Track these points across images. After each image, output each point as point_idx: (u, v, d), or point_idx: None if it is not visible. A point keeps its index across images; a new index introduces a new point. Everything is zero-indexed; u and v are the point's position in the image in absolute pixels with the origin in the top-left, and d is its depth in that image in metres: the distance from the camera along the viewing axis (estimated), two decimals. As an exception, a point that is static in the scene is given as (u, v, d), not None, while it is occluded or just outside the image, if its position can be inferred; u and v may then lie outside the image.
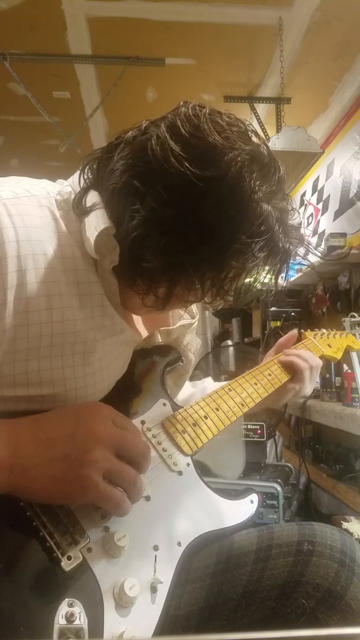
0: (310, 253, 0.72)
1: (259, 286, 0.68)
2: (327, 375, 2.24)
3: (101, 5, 2.62)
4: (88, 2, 2.59)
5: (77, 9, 2.64)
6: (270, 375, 0.93)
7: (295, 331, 1.05)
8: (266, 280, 0.69)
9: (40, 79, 3.17)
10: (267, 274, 0.67)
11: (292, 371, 0.96)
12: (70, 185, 0.68)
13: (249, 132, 0.63)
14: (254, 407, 0.87)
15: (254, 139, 0.63)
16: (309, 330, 1.18)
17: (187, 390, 1.02)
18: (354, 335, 1.27)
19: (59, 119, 3.43)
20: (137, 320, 0.82)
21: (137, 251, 0.61)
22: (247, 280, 0.66)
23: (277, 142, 2.71)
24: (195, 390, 1.03)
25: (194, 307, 0.91)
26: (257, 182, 0.60)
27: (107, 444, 0.58)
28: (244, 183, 0.59)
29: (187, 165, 0.57)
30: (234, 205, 0.59)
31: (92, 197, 0.64)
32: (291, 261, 0.68)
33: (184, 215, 0.58)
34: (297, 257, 0.70)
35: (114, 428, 0.61)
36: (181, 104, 0.63)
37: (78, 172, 0.68)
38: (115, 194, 0.62)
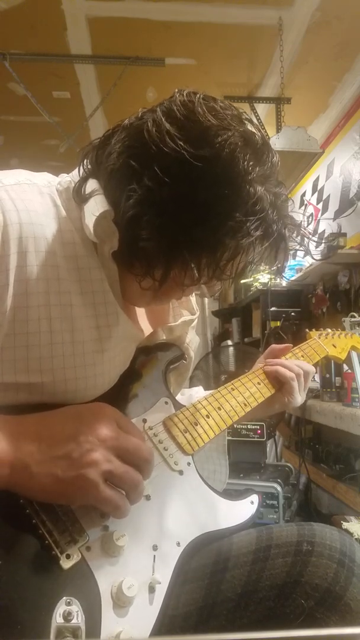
0: (305, 239, 0.71)
1: (256, 276, 0.68)
2: (327, 375, 2.24)
3: (101, 5, 2.62)
4: (88, 2, 2.60)
5: (77, 9, 2.65)
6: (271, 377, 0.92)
7: (290, 345, 0.99)
8: (263, 268, 0.68)
9: (40, 79, 3.18)
10: (262, 258, 0.67)
11: (279, 382, 0.91)
12: (70, 177, 0.69)
13: (244, 119, 0.64)
14: (249, 414, 0.85)
15: (249, 126, 0.64)
16: (313, 330, 1.17)
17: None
18: (356, 334, 1.26)
19: (59, 119, 3.43)
20: (141, 318, 0.82)
21: (134, 231, 0.61)
22: (243, 263, 0.66)
23: (277, 142, 2.71)
24: (181, 398, 0.98)
25: (194, 303, 0.90)
26: (251, 164, 0.61)
27: (110, 445, 0.58)
28: (237, 163, 0.59)
29: (181, 144, 0.58)
30: (228, 185, 0.59)
31: (91, 185, 0.65)
32: (289, 260, 0.68)
33: (179, 194, 0.59)
34: (293, 244, 0.70)
35: (118, 430, 0.60)
36: (176, 91, 0.64)
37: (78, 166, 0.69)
38: (112, 175, 0.63)
